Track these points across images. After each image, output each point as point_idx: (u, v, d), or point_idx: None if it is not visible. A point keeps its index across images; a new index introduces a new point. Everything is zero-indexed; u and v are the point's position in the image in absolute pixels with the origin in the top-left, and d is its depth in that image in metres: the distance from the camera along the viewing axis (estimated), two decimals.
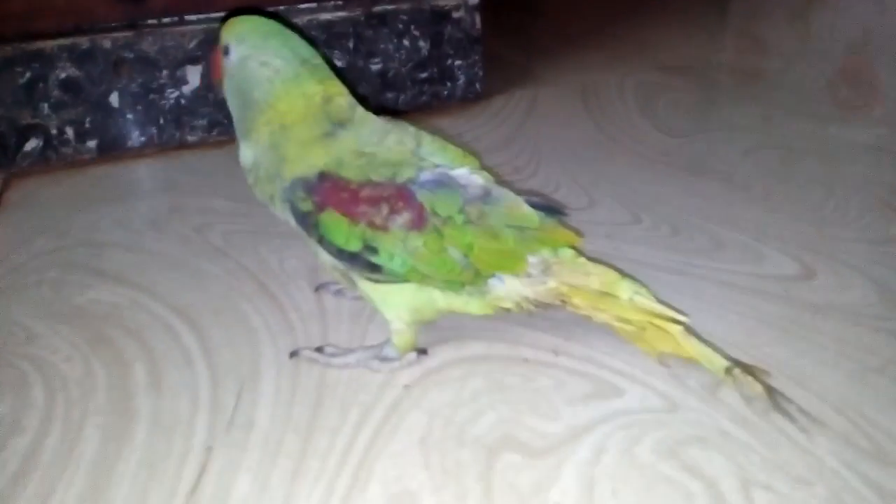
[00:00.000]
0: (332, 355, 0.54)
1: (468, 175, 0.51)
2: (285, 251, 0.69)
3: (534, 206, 0.52)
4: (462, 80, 1.10)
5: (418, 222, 0.49)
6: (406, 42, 1.04)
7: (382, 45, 1.02)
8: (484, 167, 0.53)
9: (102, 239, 0.73)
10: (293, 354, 0.54)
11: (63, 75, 0.87)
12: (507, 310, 0.53)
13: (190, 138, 0.95)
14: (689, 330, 0.50)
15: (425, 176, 0.49)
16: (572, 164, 0.88)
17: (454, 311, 0.53)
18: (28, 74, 0.86)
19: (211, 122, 0.95)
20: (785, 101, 1.09)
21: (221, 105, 0.94)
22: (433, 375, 0.53)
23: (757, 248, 0.68)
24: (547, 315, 0.55)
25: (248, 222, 0.75)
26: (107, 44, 0.88)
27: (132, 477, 0.44)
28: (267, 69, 0.50)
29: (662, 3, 1.88)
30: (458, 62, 1.08)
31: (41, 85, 0.87)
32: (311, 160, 0.50)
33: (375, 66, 1.01)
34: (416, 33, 1.04)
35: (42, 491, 0.44)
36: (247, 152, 0.53)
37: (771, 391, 0.48)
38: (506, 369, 0.53)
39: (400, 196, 0.49)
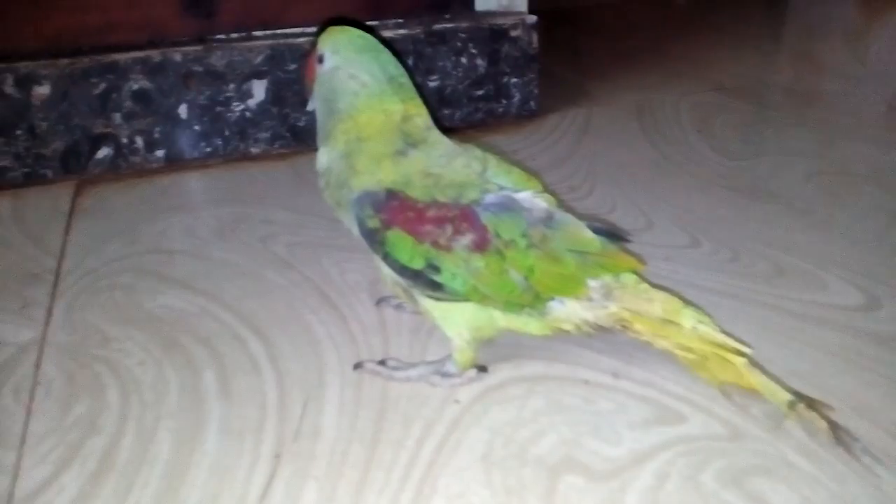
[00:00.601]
0: (395, 369, 0.55)
1: (532, 198, 0.51)
2: (346, 264, 0.71)
3: (596, 231, 0.52)
4: (517, 97, 1.11)
5: (481, 244, 0.50)
6: (464, 60, 1.05)
7: (441, 63, 1.03)
8: (546, 190, 0.54)
9: (171, 246, 0.75)
10: (357, 366, 0.55)
11: (135, 87, 0.91)
12: (566, 331, 0.54)
13: (253, 150, 0.98)
14: (752, 362, 0.50)
15: (490, 198, 0.50)
16: (628, 184, 0.88)
17: (513, 331, 0.54)
18: (102, 85, 0.90)
19: (274, 135, 0.98)
20: (844, 125, 1.07)
21: (284, 119, 0.98)
22: (493, 393, 0.53)
23: (819, 276, 0.67)
24: (605, 337, 0.56)
25: (310, 234, 0.77)
26: (177, 57, 0.91)
27: (204, 480, 0.46)
28: (355, 82, 0.52)
29: (717, 23, 1.87)
30: (514, 80, 1.09)
31: (114, 96, 0.90)
32: (378, 175, 0.51)
33: (433, 83, 1.03)
34: (474, 51, 1.06)
35: (119, 490, 0.45)
36: (323, 157, 0.55)
37: (835, 428, 0.47)
38: (565, 390, 0.53)
39: (464, 217, 0.50)
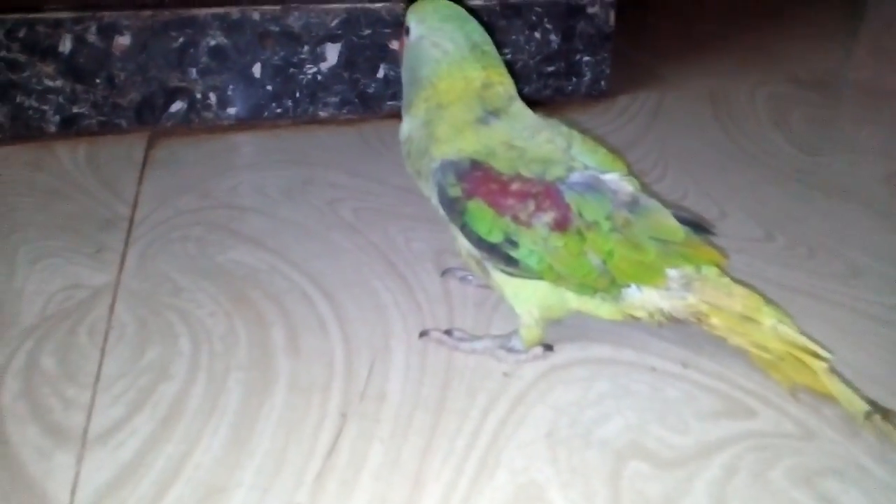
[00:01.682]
0: (460, 339, 0.55)
1: (618, 180, 0.50)
2: (412, 232, 0.71)
3: (681, 220, 0.51)
4: (588, 76, 1.09)
5: (562, 223, 0.49)
6: (537, 34, 1.04)
7: (514, 36, 1.02)
8: (632, 173, 0.53)
9: (241, 203, 0.76)
10: (423, 334, 0.56)
11: (213, 43, 0.92)
12: (638, 318, 0.53)
13: (322, 114, 0.98)
14: (831, 367, 0.49)
15: (575, 177, 0.50)
16: (701, 171, 0.86)
17: (584, 313, 0.54)
18: (181, 39, 0.91)
19: (343, 100, 0.98)
20: None
21: (354, 84, 0.98)
22: (558, 372, 0.53)
23: None
24: (674, 327, 0.55)
25: (376, 201, 0.77)
26: (255, 16, 0.92)
27: (272, 433, 0.47)
28: (437, 50, 0.52)
29: (792, 13, 1.80)
30: (586, 58, 1.07)
31: (192, 50, 0.91)
32: (460, 144, 0.51)
33: (505, 57, 1.01)
34: (549, 26, 1.04)
35: (189, 436, 0.47)
36: (405, 126, 0.55)
37: None
38: (632, 375, 0.53)
39: (548, 194, 0.49)
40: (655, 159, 0.89)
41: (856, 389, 0.48)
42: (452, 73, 0.52)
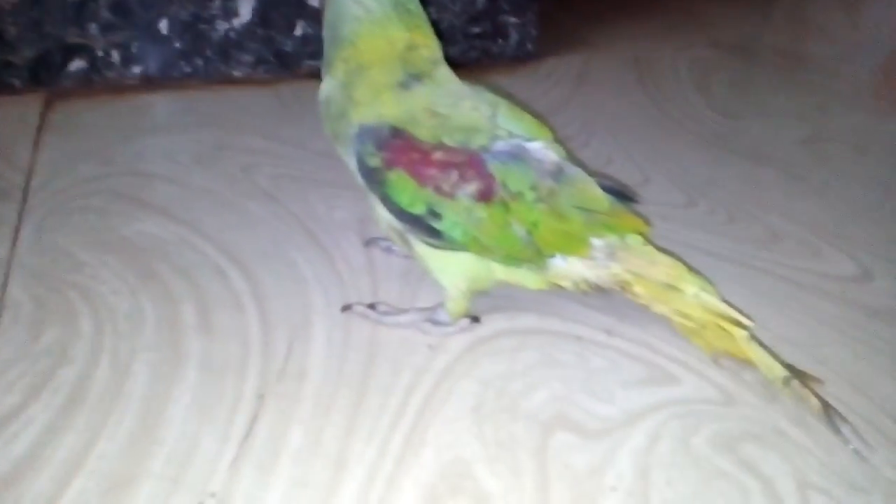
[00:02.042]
0: (385, 313, 0.53)
1: (543, 149, 0.49)
2: (334, 200, 0.68)
3: (605, 188, 0.50)
4: (514, 37, 1.07)
5: (486, 193, 0.47)
6: None
7: None
8: (557, 140, 0.51)
9: (148, 170, 0.71)
10: (345, 308, 0.53)
11: None
12: (563, 288, 0.52)
13: (235, 73, 0.93)
14: (751, 335, 0.49)
15: (499, 146, 0.48)
16: (625, 137, 0.86)
17: (510, 283, 0.52)
18: None
19: (258, 58, 0.93)
20: (839, 90, 1.06)
21: (269, 42, 0.93)
22: (484, 345, 0.52)
23: (815, 244, 0.66)
24: (599, 295, 0.54)
25: (295, 167, 0.74)
26: None
27: (183, 418, 0.44)
28: (359, 7, 0.49)
29: None
30: (512, 19, 1.05)
31: (91, 4, 0.84)
32: (380, 108, 0.48)
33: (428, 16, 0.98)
34: None
35: (92, 424, 0.43)
36: (324, 86, 0.52)
37: (828, 408, 0.46)
38: (558, 345, 0.52)
39: (471, 164, 0.47)
40: (580, 125, 0.89)
41: (775, 355, 0.48)
42: (374, 33, 0.49)
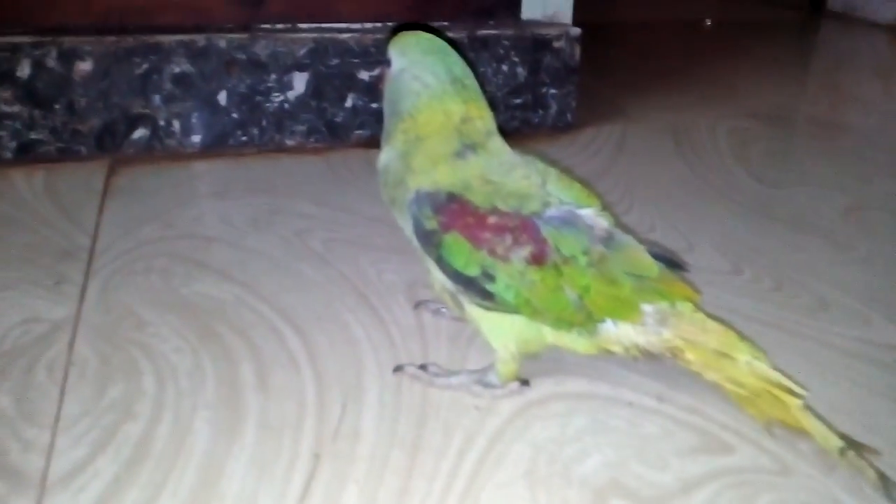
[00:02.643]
0: (436, 375, 0.54)
1: (594, 216, 0.50)
2: (383, 264, 0.70)
3: (654, 256, 0.52)
4: (554, 108, 1.10)
5: (539, 257, 0.49)
6: (505, 67, 1.05)
7: (482, 69, 1.03)
8: (606, 209, 0.53)
9: (206, 233, 0.74)
10: (397, 369, 0.55)
11: (177, 70, 0.90)
12: (613, 353, 0.53)
13: (288, 142, 0.97)
14: (806, 404, 0.49)
15: (551, 212, 0.49)
16: (666, 204, 0.87)
17: (560, 347, 0.53)
18: (145, 66, 0.89)
19: (310, 128, 0.97)
20: (880, 160, 1.06)
21: (322, 113, 0.97)
22: (535, 408, 0.52)
23: (864, 313, 0.66)
24: (649, 361, 0.54)
25: (346, 231, 0.76)
26: (221, 43, 0.91)
27: (242, 475, 0.45)
28: (417, 83, 0.51)
29: (745, 47, 1.87)
30: (552, 91, 1.09)
31: (155, 77, 0.90)
32: (435, 176, 0.51)
33: None
34: (516, 59, 1.05)
35: (155, 479, 0.44)
36: (383, 156, 0.54)
37: (884, 479, 0.45)
38: (609, 410, 0.52)
39: (525, 228, 0.49)
40: (622, 192, 0.90)
41: (829, 425, 0.48)
42: (432, 106, 0.51)
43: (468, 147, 0.51)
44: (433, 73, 0.52)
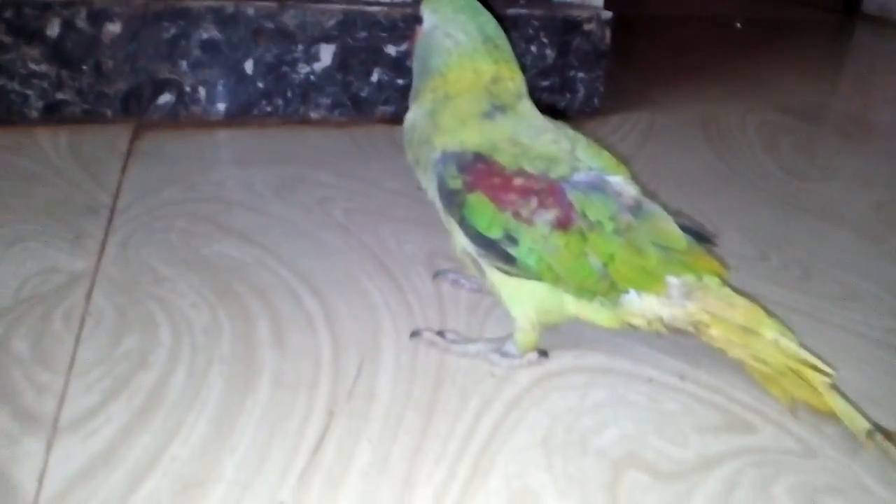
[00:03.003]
0: (453, 342, 0.53)
1: (623, 183, 0.49)
2: (403, 235, 0.69)
3: (682, 228, 0.50)
4: (582, 92, 1.08)
5: (564, 221, 0.48)
6: (533, 48, 1.04)
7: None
8: (634, 179, 0.52)
9: (229, 197, 0.74)
10: (414, 334, 0.54)
11: (205, 36, 0.90)
12: (635, 327, 0.52)
13: (312, 115, 0.96)
14: (833, 383, 0.48)
15: (579, 177, 0.48)
16: (694, 192, 0.86)
17: (581, 319, 0.52)
18: (173, 31, 0.89)
19: (335, 102, 0.96)
20: None
21: (347, 87, 0.96)
22: (553, 379, 0.51)
23: (893, 304, 0.64)
24: (670, 337, 0.53)
25: (367, 202, 0.76)
26: (250, 11, 0.90)
27: (255, 428, 0.44)
28: (449, 40, 0.51)
29: (777, 46, 1.84)
30: (580, 74, 1.07)
31: (183, 42, 0.89)
32: (463, 136, 0.50)
33: None
34: (545, 40, 1.04)
35: (167, 427, 0.44)
36: (410, 115, 0.54)
37: None
38: (629, 385, 0.51)
39: (551, 192, 0.48)
40: (648, 178, 0.89)
41: (857, 406, 0.47)
42: (463, 64, 0.51)
43: (497, 108, 0.51)
44: (465, 31, 0.51)
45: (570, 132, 0.52)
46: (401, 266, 0.64)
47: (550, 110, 0.53)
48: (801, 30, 2.10)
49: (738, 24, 2.17)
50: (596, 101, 1.09)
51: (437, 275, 0.63)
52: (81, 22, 0.86)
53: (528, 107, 0.52)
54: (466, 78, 0.50)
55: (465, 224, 0.49)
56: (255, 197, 0.75)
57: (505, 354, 0.52)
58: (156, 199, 0.72)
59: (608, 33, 1.06)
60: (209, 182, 0.77)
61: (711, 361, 0.53)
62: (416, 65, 0.54)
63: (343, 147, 0.91)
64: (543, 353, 0.53)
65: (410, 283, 0.62)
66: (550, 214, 0.48)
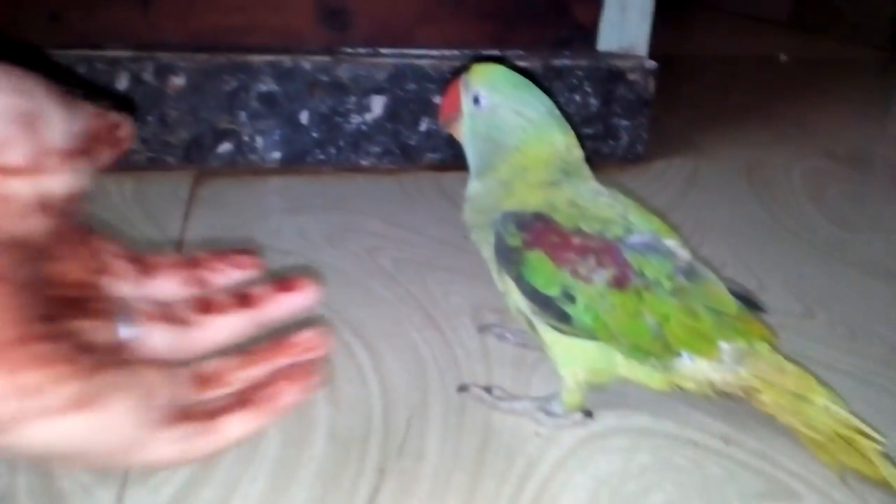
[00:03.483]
0: (499, 398, 0.55)
1: (677, 246, 0.51)
2: (450, 286, 0.71)
3: (733, 293, 0.51)
4: (625, 139, 1.10)
5: (621, 280, 0.49)
6: (577, 97, 1.06)
7: (555, 98, 1.04)
8: (685, 244, 0.53)
9: (283, 247, 0.77)
10: (462, 389, 0.56)
11: (263, 88, 0.94)
12: (685, 390, 0.52)
13: (363, 162, 1.00)
14: (884, 451, 0.48)
15: (635, 238, 0.50)
16: (737, 242, 0.86)
17: (630, 380, 0.53)
18: (233, 83, 0.93)
19: (384, 150, 1.00)
20: None
21: (396, 136, 1.00)
22: (598, 441, 0.52)
23: None
24: (715, 400, 0.54)
25: (415, 252, 0.78)
26: (307, 65, 0.94)
27: (311, 484, 0.47)
28: (521, 118, 0.52)
29: (822, 85, 1.82)
30: (624, 122, 1.09)
31: (243, 94, 0.94)
32: (526, 198, 0.52)
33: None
34: (588, 90, 1.06)
35: (228, 482, 0.46)
36: (475, 184, 0.56)
37: None
38: (673, 449, 0.52)
39: (608, 251, 0.49)
40: (692, 227, 0.90)
41: None
42: (541, 139, 0.53)
43: (564, 175, 0.53)
44: (533, 108, 0.53)
45: (622, 197, 0.54)
46: (447, 318, 0.66)
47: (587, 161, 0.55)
48: (849, 68, 2.08)
49: (783, 57, 2.16)
50: (639, 147, 1.11)
51: (482, 328, 0.65)
52: (148, 76, 0.91)
53: (587, 172, 0.54)
54: (545, 151, 0.53)
55: (522, 281, 0.51)
56: (308, 246, 0.78)
57: (550, 413, 0.54)
58: (216, 247, 0.76)
59: (652, 82, 1.08)
60: (266, 231, 0.80)
61: (757, 425, 0.54)
62: (476, 139, 0.55)
63: (391, 194, 0.94)
64: (588, 414, 0.54)
65: (457, 336, 0.64)
66: (608, 272, 0.49)
